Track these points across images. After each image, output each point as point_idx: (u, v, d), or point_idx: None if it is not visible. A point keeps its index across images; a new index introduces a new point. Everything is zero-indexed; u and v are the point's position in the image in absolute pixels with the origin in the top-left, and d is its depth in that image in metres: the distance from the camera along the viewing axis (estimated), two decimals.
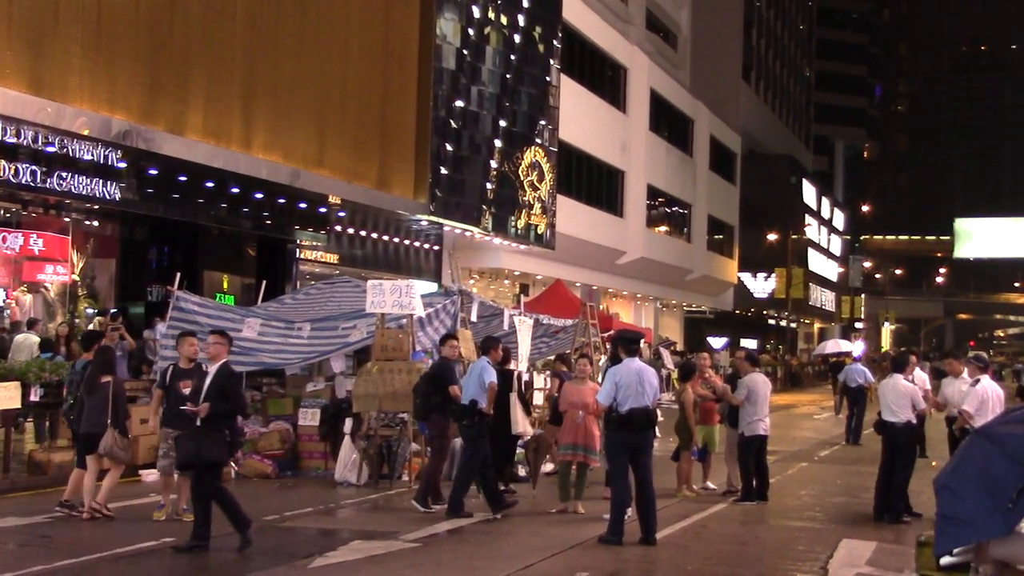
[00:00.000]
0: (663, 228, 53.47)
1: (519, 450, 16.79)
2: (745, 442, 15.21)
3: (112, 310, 22.98)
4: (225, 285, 27.80)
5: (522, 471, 17.00)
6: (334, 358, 17.76)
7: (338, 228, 29.17)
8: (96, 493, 12.62)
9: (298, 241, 27.78)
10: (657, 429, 12.62)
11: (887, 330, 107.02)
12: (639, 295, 54.43)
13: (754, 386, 15.25)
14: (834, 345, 53.31)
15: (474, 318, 19.08)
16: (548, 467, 18.26)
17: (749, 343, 71.72)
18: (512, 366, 17.25)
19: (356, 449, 16.29)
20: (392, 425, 16.59)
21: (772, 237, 68.82)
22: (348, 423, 16.56)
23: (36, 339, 19.65)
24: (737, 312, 70.87)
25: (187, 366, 12.21)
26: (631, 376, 12.00)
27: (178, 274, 18.07)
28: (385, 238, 31.48)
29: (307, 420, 17.40)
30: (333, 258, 29.21)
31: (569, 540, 11.96)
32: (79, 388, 12.85)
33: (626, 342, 12.53)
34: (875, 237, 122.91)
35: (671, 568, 10.91)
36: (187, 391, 11.63)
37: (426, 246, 33.77)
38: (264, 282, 21.87)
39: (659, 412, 13.03)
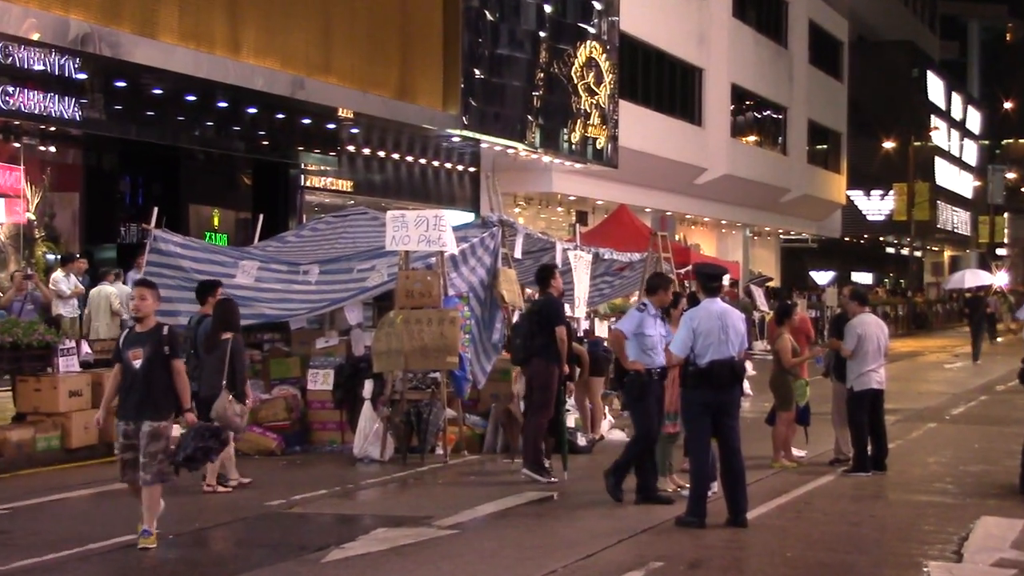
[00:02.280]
0: (752, 138, 53.04)
1: (574, 414, 16.82)
2: (855, 399, 15.16)
3: (56, 256, 23.24)
4: (216, 221, 27.94)
5: (581, 439, 17.12)
6: (349, 307, 17.81)
7: (351, 148, 29.18)
8: (224, 466, 13.76)
9: (303, 165, 27.82)
10: (748, 385, 12.55)
11: None
12: (724, 221, 54.25)
13: (864, 330, 15.15)
14: (971, 277, 52.86)
15: (518, 254, 19.09)
16: (604, 429, 18.46)
17: (862, 277, 71.36)
18: (567, 311, 17.26)
19: (378, 417, 16.34)
20: (422, 387, 16.67)
21: (889, 145, 68.05)
22: (368, 386, 16.62)
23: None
24: (847, 239, 70.32)
25: (142, 328, 11.14)
26: (711, 321, 11.94)
27: (155, 209, 18.10)
28: (409, 159, 31.45)
29: (318, 383, 17.48)
30: (346, 185, 29.26)
31: (640, 522, 11.97)
32: (194, 345, 13.69)
33: (705, 278, 12.48)
34: (1021, 141, 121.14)
35: (766, 555, 10.89)
36: (137, 363, 10.93)
37: (460, 168, 33.73)
38: (261, 216, 21.87)
39: (750, 364, 12.96)
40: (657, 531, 11.69)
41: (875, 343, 15.16)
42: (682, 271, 24.16)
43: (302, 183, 28.06)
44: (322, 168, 28.41)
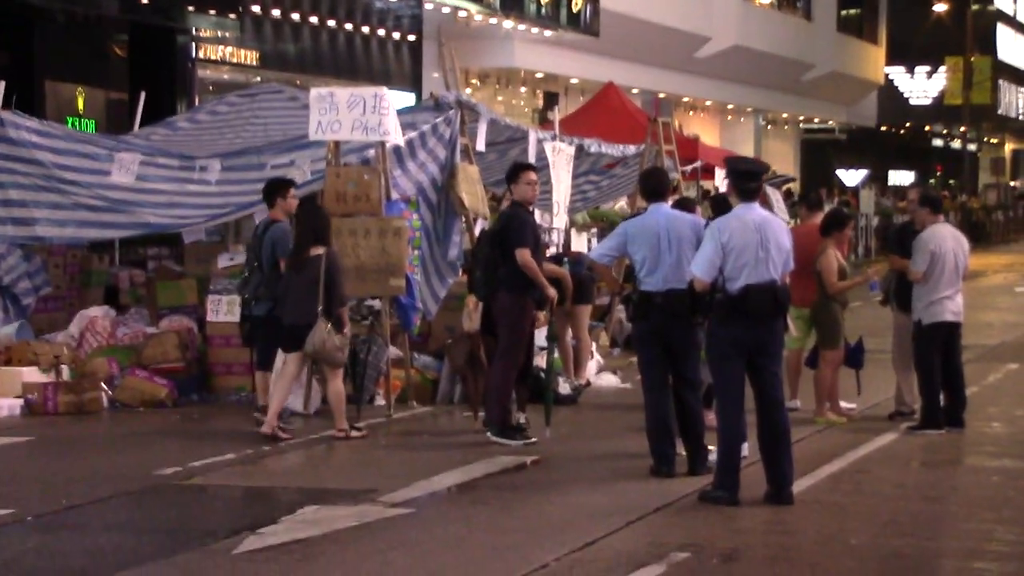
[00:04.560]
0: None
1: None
2: (924, 334, 14.95)
3: None
4: (80, 104, 27.51)
5: (564, 386, 17.00)
6: (260, 214, 17.46)
7: (256, 10, 28.95)
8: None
9: (194, 31, 27.55)
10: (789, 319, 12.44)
11: None
12: (730, 106, 54.58)
13: (939, 246, 14.88)
14: None
15: (481, 146, 18.85)
16: (591, 373, 18.50)
17: (901, 176, 71.53)
18: (543, 220, 16.99)
19: None
20: (357, 319, 16.35)
21: (940, 9, 68.08)
22: None
23: None
24: (883, 129, 70.48)
25: None
26: (746, 234, 11.67)
27: (1, 84, 17.92)
28: (331, 24, 31.40)
29: (220, 314, 17.25)
30: (251, 57, 29.26)
31: (651, 498, 11.81)
32: (258, 259, 14.69)
33: (739, 176, 12.11)
34: None
35: (822, 542, 10.78)
36: None
37: (396, 36, 33.60)
38: (143, 96, 21.71)
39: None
40: (676, 509, 11.56)
41: (952, 262, 14.90)
42: (688, 169, 23.89)
43: (194, 54, 27.91)
44: (220, 35, 28.21)
